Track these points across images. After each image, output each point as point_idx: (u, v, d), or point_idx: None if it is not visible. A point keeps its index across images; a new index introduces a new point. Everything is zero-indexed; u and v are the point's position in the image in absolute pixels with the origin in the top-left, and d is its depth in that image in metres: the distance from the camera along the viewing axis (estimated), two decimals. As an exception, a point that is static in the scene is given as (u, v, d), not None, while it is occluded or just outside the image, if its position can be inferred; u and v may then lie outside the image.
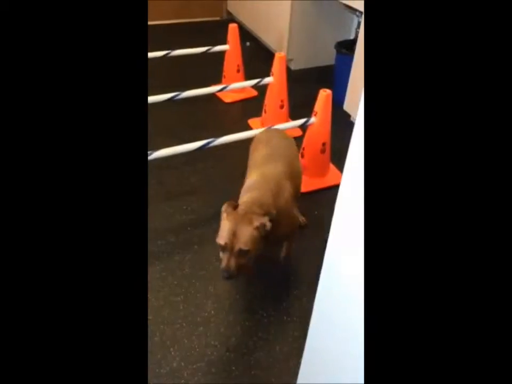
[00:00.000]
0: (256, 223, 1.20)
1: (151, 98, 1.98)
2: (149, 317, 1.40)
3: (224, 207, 1.26)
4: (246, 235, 1.19)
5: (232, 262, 1.19)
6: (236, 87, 2.33)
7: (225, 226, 1.21)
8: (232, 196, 1.40)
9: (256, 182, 1.36)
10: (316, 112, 1.95)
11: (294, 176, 1.45)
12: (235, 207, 1.27)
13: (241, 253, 1.19)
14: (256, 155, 1.49)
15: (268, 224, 1.22)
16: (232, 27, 2.55)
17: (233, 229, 1.19)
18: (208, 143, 1.77)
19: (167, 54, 2.37)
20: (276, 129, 1.68)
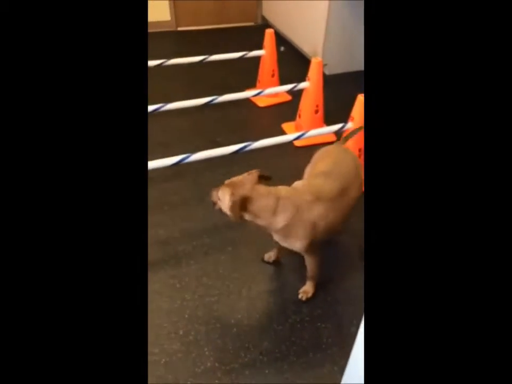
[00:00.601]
0: (231, 196, 1.21)
1: (189, 102, 2.03)
2: (185, 316, 1.42)
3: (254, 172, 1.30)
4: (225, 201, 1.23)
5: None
6: (271, 91, 2.35)
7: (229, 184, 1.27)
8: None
9: (295, 187, 1.35)
10: (353, 118, 1.93)
11: (340, 205, 1.33)
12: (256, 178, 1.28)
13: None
14: (316, 167, 1.43)
15: (230, 202, 1.20)
16: (269, 32, 2.57)
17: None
18: (245, 146, 1.79)
19: (204, 58, 2.41)
20: (347, 149, 1.55)
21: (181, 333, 1.37)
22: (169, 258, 1.63)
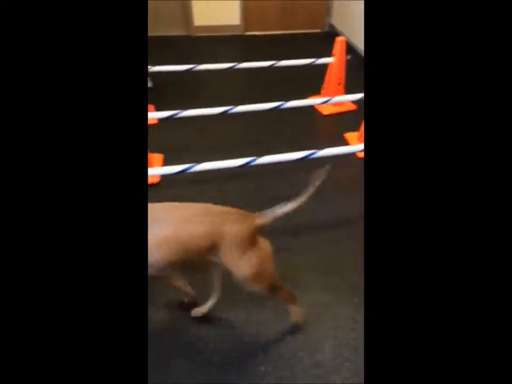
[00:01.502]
0: None
1: (254, 107, 2.06)
2: (242, 316, 1.44)
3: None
4: None
5: None
6: (338, 100, 2.32)
7: None
8: (322, 211, 1.38)
9: None
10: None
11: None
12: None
13: None
14: None
15: None
16: (340, 40, 2.55)
17: None
18: (310, 154, 1.79)
19: (273, 64, 2.44)
20: None
21: (225, 347, 1.39)
22: (228, 258, 1.66)
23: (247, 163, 1.65)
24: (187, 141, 2.41)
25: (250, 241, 1.14)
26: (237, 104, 2.04)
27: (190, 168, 1.59)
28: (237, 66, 2.42)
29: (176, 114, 1.98)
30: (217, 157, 2.22)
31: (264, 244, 1.19)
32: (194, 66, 2.45)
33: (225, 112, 2.01)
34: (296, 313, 1.38)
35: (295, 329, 1.42)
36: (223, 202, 1.93)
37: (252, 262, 1.12)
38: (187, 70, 2.44)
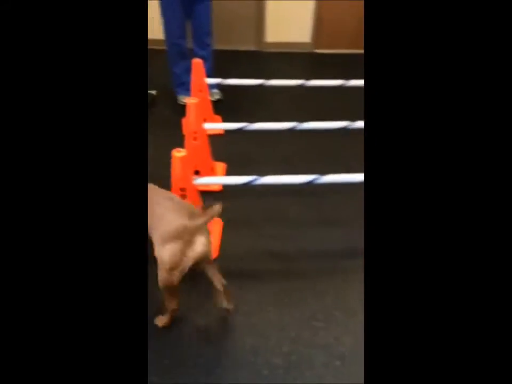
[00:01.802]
0: None
1: (321, 125, 2.06)
2: (291, 334, 1.44)
3: None
4: None
5: None
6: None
7: None
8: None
9: None
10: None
11: None
12: None
13: None
14: None
15: None
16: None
17: None
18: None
19: (342, 84, 2.44)
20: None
21: (285, 350, 1.39)
22: (283, 273, 1.67)
23: (311, 181, 1.65)
24: (251, 152, 2.47)
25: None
26: (303, 121, 2.06)
27: (254, 180, 1.63)
28: (306, 84, 2.44)
29: (244, 127, 2.05)
30: (279, 171, 2.25)
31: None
32: (264, 82, 2.52)
33: (292, 128, 2.04)
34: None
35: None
36: (282, 217, 1.96)
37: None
38: (256, 85, 2.51)
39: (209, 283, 1.43)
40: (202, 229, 1.27)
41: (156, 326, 1.44)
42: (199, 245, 1.26)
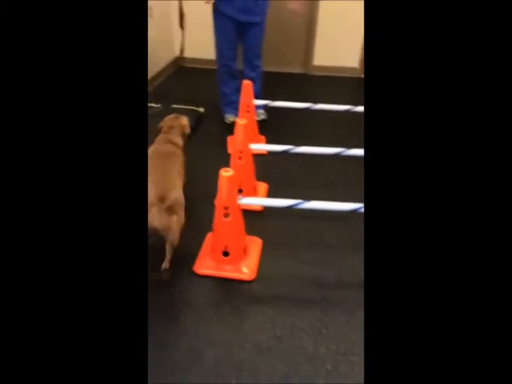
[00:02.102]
0: None
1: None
2: (327, 366, 1.40)
3: None
4: None
5: None
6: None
7: None
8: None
9: None
10: None
11: None
12: None
13: None
14: None
15: None
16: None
17: None
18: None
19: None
20: None
21: (320, 382, 1.36)
22: (320, 300, 1.64)
23: (356, 209, 1.63)
24: (293, 174, 2.48)
25: None
26: (348, 147, 2.06)
27: (297, 204, 1.64)
28: (352, 109, 2.44)
29: (289, 149, 2.07)
30: (321, 195, 2.24)
31: None
32: (311, 106, 2.54)
33: (337, 154, 2.03)
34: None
35: None
36: (322, 242, 1.94)
37: None
38: (302, 108, 2.54)
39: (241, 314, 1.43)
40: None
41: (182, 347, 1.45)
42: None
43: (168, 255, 1.70)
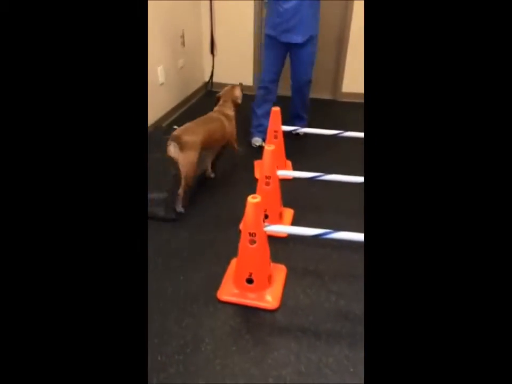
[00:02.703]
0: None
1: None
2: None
3: None
4: None
5: None
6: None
7: None
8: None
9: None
10: None
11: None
12: None
13: None
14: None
15: None
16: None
17: None
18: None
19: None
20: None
21: (345, 424, 1.28)
22: (347, 335, 1.57)
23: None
24: (319, 201, 2.45)
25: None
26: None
27: (325, 234, 1.60)
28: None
29: (317, 176, 2.04)
30: (347, 224, 2.18)
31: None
32: (340, 132, 2.53)
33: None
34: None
35: None
36: (349, 273, 1.88)
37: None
38: (332, 135, 2.52)
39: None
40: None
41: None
42: None
43: (182, 182, 2.18)
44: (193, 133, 2.18)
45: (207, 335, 1.56)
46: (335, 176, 2.06)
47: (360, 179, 2.02)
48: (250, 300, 1.70)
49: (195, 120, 2.32)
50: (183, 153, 2.10)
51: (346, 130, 2.49)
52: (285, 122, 2.69)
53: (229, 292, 1.74)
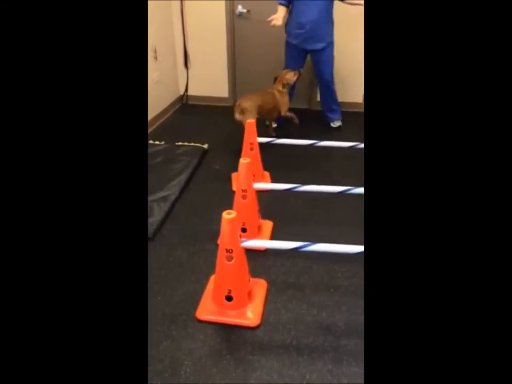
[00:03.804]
0: None
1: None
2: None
3: None
4: None
5: None
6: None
7: None
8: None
9: None
10: None
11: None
12: None
13: None
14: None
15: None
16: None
17: None
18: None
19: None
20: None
21: None
22: (330, 348, 1.54)
23: (362, 252, 1.56)
24: (299, 211, 2.43)
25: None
26: (355, 184, 2.02)
27: (303, 247, 1.58)
28: (357, 146, 2.42)
29: (294, 188, 2.03)
30: (328, 234, 2.17)
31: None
32: (315, 142, 2.53)
33: (342, 192, 1.99)
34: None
35: None
36: (330, 284, 1.86)
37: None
38: (308, 145, 2.52)
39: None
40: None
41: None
42: None
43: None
44: (250, 100, 2.96)
45: (186, 358, 1.50)
46: (313, 186, 2.05)
47: (338, 188, 2.02)
48: (231, 318, 1.65)
49: (253, 93, 3.07)
50: (244, 115, 2.87)
51: (321, 139, 2.51)
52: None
53: (208, 310, 1.69)
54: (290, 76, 3.21)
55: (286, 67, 3.30)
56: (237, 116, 2.92)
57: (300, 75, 3.25)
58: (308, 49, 3.16)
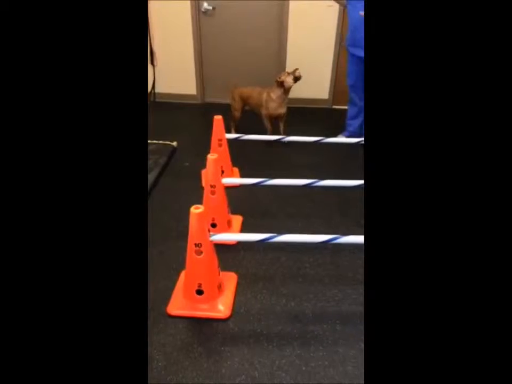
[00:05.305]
0: None
1: (338, 182, 2.07)
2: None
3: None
4: None
5: None
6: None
7: None
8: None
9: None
10: None
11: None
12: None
13: None
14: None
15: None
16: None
17: None
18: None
19: (360, 141, 2.48)
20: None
21: (300, 424, 1.30)
22: (299, 336, 1.60)
23: (328, 240, 1.63)
24: (268, 206, 2.48)
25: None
26: (321, 178, 2.08)
27: (270, 238, 1.62)
28: (323, 140, 2.49)
29: (261, 182, 2.07)
30: (296, 227, 2.23)
31: None
32: (282, 138, 2.59)
33: (308, 185, 2.05)
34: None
35: None
36: (299, 274, 1.92)
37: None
38: (275, 140, 2.58)
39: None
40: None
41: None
42: None
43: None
44: (240, 89, 3.31)
45: (157, 353, 1.52)
46: (280, 180, 2.10)
47: (304, 181, 2.07)
48: (202, 311, 1.68)
49: (247, 86, 3.33)
50: (231, 99, 3.35)
51: (291, 134, 2.56)
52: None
53: (179, 305, 1.71)
54: (288, 79, 3.13)
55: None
56: (230, 99, 3.39)
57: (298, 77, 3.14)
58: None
